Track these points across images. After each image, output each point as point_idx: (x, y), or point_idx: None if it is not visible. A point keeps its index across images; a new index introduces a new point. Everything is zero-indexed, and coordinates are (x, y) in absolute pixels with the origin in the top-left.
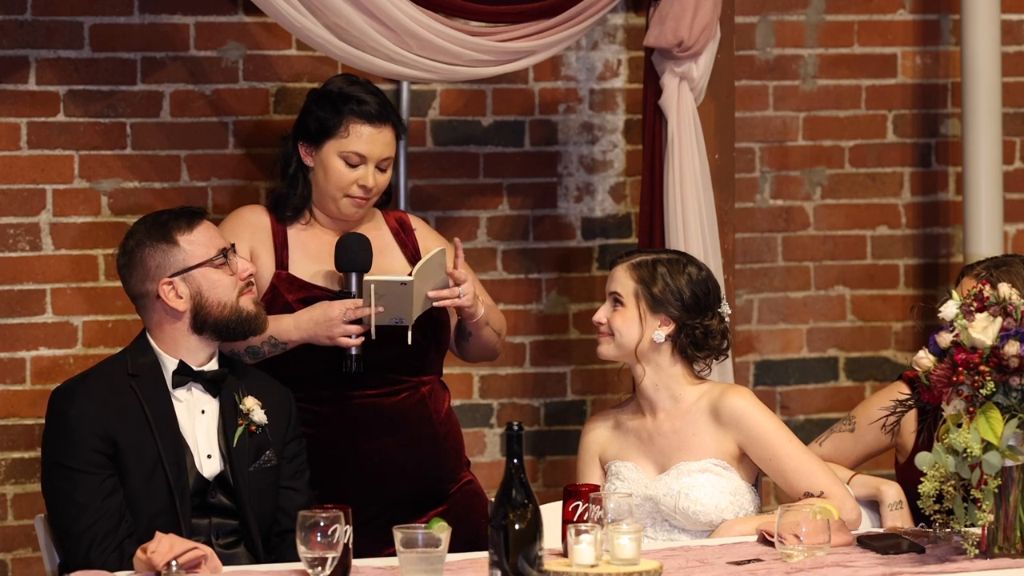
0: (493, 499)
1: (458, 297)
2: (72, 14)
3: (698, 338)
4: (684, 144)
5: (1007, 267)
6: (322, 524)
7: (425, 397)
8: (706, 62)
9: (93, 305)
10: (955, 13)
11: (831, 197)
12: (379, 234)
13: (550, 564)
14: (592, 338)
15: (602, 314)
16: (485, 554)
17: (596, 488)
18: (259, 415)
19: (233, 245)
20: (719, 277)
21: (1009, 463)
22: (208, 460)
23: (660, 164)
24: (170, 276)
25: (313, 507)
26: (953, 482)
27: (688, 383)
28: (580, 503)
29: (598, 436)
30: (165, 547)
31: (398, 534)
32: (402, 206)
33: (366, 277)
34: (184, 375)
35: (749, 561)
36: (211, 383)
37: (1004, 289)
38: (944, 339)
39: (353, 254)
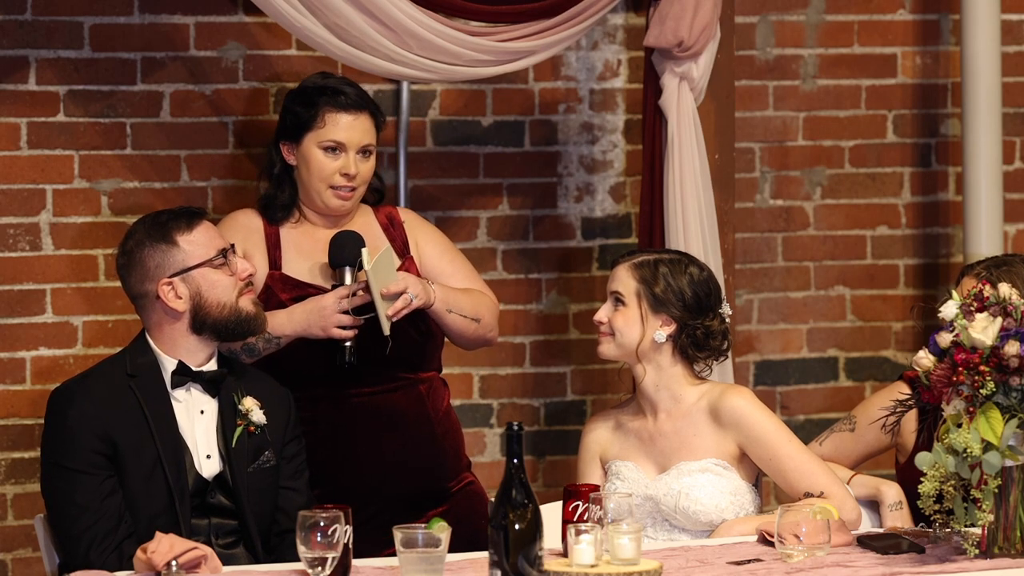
0: (493, 499)
1: (410, 302)
2: (72, 14)
3: (699, 338)
4: (684, 144)
5: (1007, 267)
6: (322, 524)
7: (423, 395)
8: (706, 62)
9: (93, 305)
10: (955, 13)
11: (831, 197)
12: (369, 230)
13: (550, 564)
14: (592, 338)
15: (603, 313)
16: (485, 554)
17: (596, 488)
18: (258, 415)
19: (232, 245)
20: (719, 277)
21: (1009, 463)
22: (207, 460)
23: (660, 164)
24: (169, 276)
25: (313, 507)
26: (953, 482)
27: (688, 383)
28: (580, 503)
29: (598, 436)
30: (165, 547)
31: (398, 534)
32: (402, 206)
33: (363, 250)
34: (183, 375)
35: (749, 561)
36: (210, 383)
37: (1004, 289)
38: (944, 339)
39: (346, 250)
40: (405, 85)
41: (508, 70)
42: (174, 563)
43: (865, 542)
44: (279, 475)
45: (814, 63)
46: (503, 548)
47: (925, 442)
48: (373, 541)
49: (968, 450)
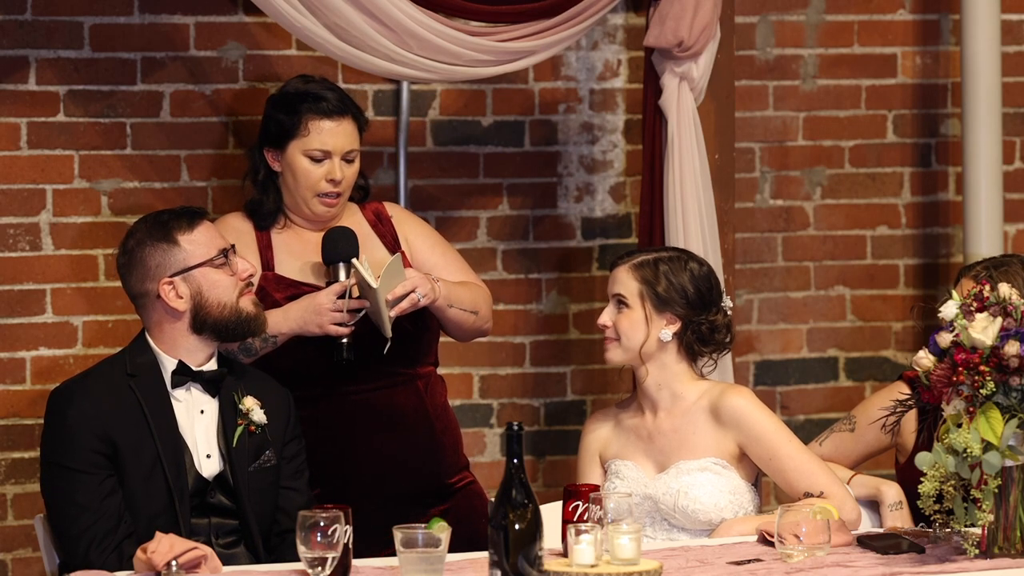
0: (493, 499)
1: (417, 302)
2: (72, 14)
3: (704, 334)
4: (684, 144)
5: (1006, 267)
6: (322, 524)
7: (421, 390)
8: (706, 62)
9: (93, 305)
10: (955, 13)
11: (831, 197)
12: (357, 229)
13: (550, 564)
14: (592, 338)
15: (607, 317)
16: (485, 554)
17: (596, 488)
18: (259, 415)
19: (233, 246)
20: (719, 277)
21: (1009, 463)
22: (207, 460)
23: (660, 164)
24: (170, 276)
25: (313, 507)
26: (953, 482)
27: (690, 381)
28: (580, 503)
29: (598, 435)
30: (165, 547)
31: (398, 534)
32: (402, 206)
33: (354, 261)
34: (183, 375)
35: (749, 561)
36: (210, 383)
37: (1004, 289)
38: (944, 339)
39: (339, 246)
40: (405, 85)
41: (508, 70)
42: (174, 563)
43: (865, 542)
44: (279, 475)
45: (814, 63)
46: (503, 548)
47: (925, 442)
48: (373, 540)
49: (968, 450)
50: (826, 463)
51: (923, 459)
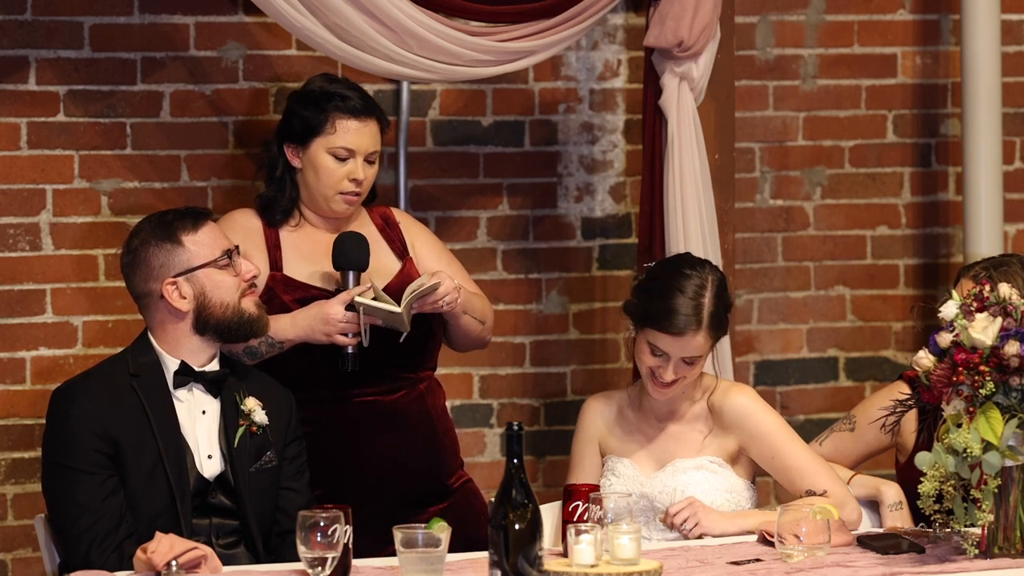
0: (493, 499)
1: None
2: (72, 14)
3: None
4: (684, 144)
5: (1006, 267)
6: (322, 524)
7: (423, 394)
8: (706, 62)
9: (93, 305)
10: (955, 13)
11: (831, 197)
12: (366, 231)
13: (550, 564)
14: (592, 338)
15: (670, 374)
16: (485, 554)
17: (596, 488)
18: (260, 416)
19: (237, 247)
20: None
21: (1009, 463)
22: (209, 460)
23: (660, 164)
24: (174, 276)
25: (313, 507)
26: (953, 482)
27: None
28: (580, 503)
29: (600, 420)
30: (165, 547)
31: (398, 534)
32: (402, 206)
33: (356, 299)
34: (185, 375)
35: (749, 561)
36: (212, 383)
37: (1004, 289)
38: (944, 339)
39: (350, 252)
40: (405, 85)
41: (508, 70)
42: (174, 563)
43: (865, 542)
44: (280, 475)
45: (814, 63)
46: (503, 548)
47: (925, 442)
48: (373, 539)
49: (968, 450)
50: (828, 463)
51: (923, 459)
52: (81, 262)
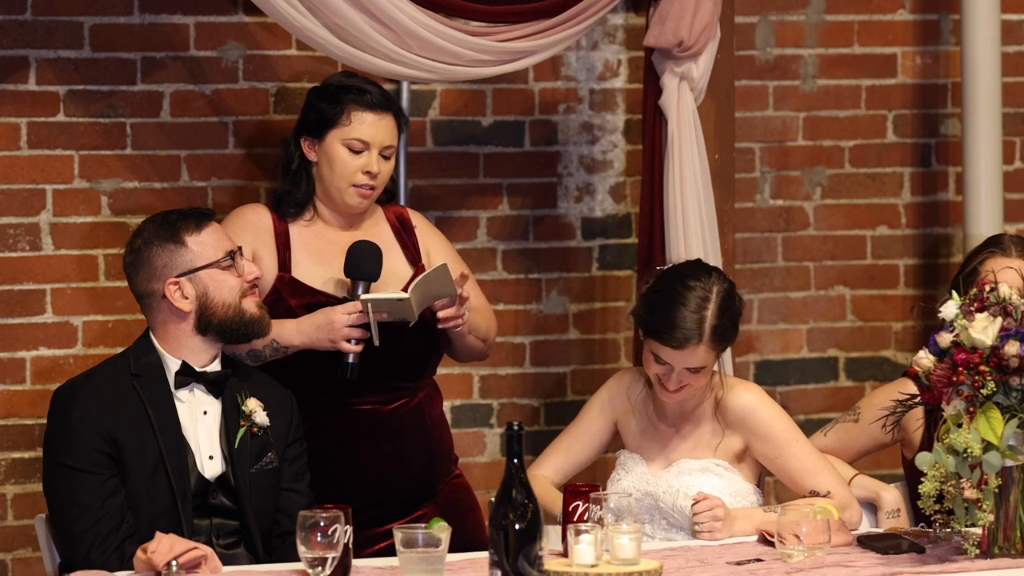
0: (493, 499)
1: (461, 320)
2: (72, 14)
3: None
4: (684, 144)
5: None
6: (322, 524)
7: (422, 403)
8: (706, 62)
9: (93, 305)
10: (955, 13)
11: (831, 197)
12: (379, 231)
13: (550, 564)
14: (591, 338)
15: (674, 383)
16: (485, 554)
17: (596, 488)
18: (261, 417)
19: (240, 248)
20: None
21: (1009, 463)
22: (210, 461)
23: (660, 164)
24: (176, 276)
25: (313, 507)
26: (953, 482)
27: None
28: (580, 503)
29: (624, 399)
30: (165, 547)
31: (398, 534)
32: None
33: (362, 296)
34: (187, 376)
35: (749, 561)
36: (214, 384)
37: (1004, 289)
38: (944, 339)
39: (363, 263)
40: (405, 85)
41: (508, 70)
42: (174, 563)
43: (865, 542)
44: (281, 476)
45: (814, 63)
46: (503, 548)
47: (928, 441)
48: (367, 538)
49: (968, 450)
50: (833, 464)
51: (923, 459)
52: (81, 262)
